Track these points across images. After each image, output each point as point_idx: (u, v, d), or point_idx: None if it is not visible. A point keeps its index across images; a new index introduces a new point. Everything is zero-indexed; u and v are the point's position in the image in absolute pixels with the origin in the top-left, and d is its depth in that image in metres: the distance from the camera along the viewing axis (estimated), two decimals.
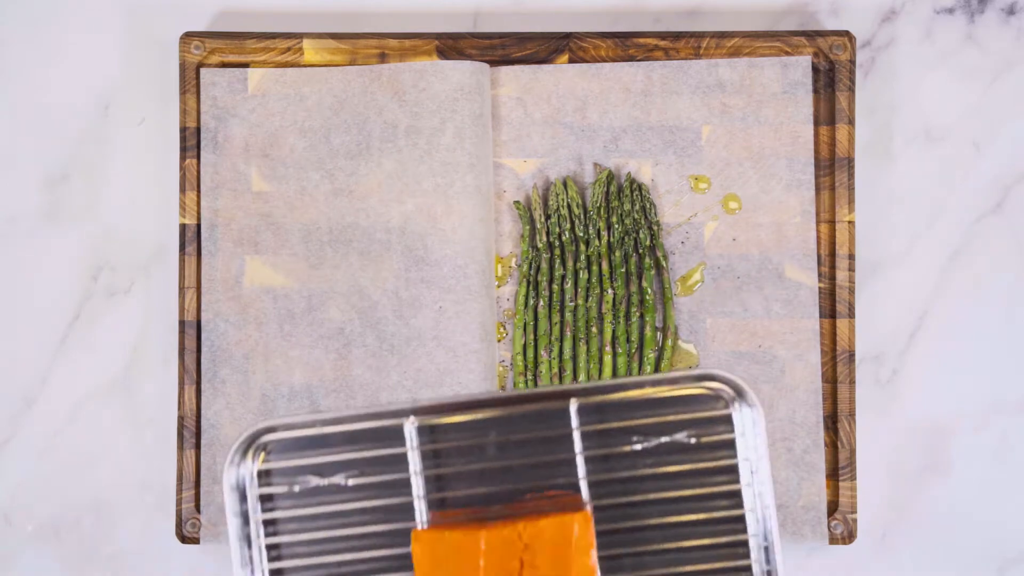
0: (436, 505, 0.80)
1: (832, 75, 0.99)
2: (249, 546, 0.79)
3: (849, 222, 0.99)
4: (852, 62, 0.99)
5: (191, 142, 0.99)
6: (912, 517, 1.00)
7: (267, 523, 0.79)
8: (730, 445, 0.80)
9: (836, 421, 0.98)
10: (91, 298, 1.00)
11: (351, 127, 0.98)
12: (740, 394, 0.79)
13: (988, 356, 1.01)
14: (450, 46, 0.99)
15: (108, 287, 1.00)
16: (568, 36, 1.00)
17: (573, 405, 0.80)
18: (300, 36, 0.99)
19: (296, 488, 0.80)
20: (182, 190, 0.98)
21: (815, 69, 1.00)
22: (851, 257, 0.99)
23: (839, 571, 1.00)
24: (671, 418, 0.80)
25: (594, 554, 0.76)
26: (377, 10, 1.02)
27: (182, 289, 0.98)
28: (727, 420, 0.80)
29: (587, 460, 0.80)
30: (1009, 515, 1.01)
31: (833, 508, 0.98)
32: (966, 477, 1.01)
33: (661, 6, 1.03)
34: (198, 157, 0.99)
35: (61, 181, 1.01)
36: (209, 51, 0.99)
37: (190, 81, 0.98)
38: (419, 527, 0.77)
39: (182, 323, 0.98)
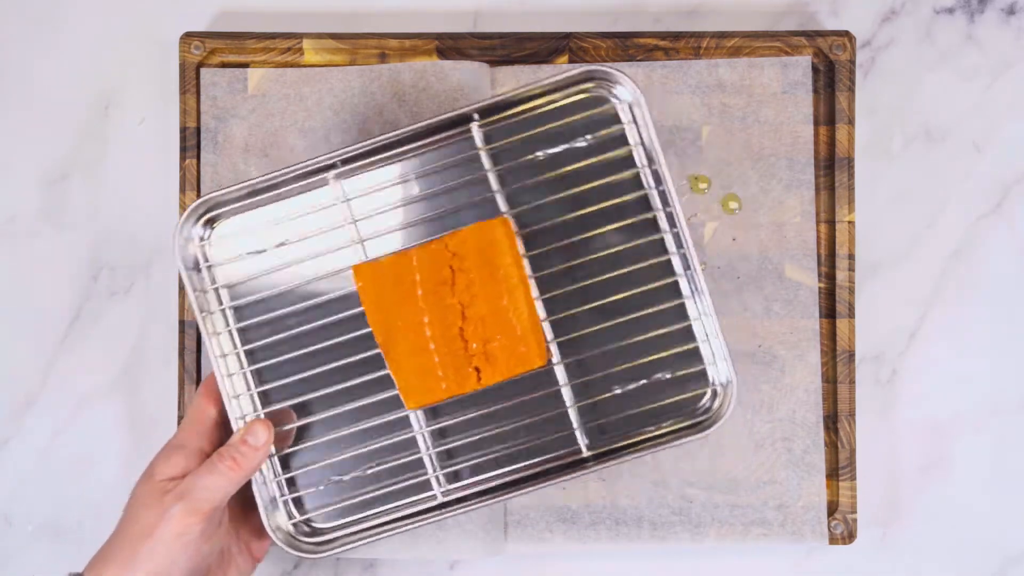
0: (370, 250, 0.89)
1: (832, 75, 0.99)
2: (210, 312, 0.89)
3: (849, 222, 0.99)
4: (852, 62, 0.99)
5: (191, 142, 0.99)
6: (912, 517, 1.00)
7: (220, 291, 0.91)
8: (623, 138, 0.90)
9: (836, 421, 0.98)
10: (91, 298, 1.00)
11: (351, 127, 0.98)
12: (619, 84, 0.88)
13: (988, 356, 1.01)
14: (450, 46, 0.99)
15: (108, 287, 1.00)
16: (568, 36, 1.00)
17: (475, 126, 0.89)
18: (300, 36, 0.99)
19: (246, 253, 0.90)
20: (182, 190, 0.98)
21: (815, 69, 1.00)
22: (851, 257, 0.99)
23: (839, 571, 1.00)
24: (567, 121, 0.90)
25: (517, 251, 0.85)
26: (377, 10, 1.02)
27: (182, 289, 0.98)
28: (617, 116, 0.90)
29: (498, 176, 0.90)
30: (1009, 514, 1.01)
31: (833, 508, 0.98)
32: (966, 477, 1.01)
33: (661, 6, 1.03)
34: (198, 157, 0.99)
35: (61, 181, 1.01)
36: (209, 51, 0.99)
37: (190, 81, 0.98)
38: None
39: (182, 323, 0.98)
